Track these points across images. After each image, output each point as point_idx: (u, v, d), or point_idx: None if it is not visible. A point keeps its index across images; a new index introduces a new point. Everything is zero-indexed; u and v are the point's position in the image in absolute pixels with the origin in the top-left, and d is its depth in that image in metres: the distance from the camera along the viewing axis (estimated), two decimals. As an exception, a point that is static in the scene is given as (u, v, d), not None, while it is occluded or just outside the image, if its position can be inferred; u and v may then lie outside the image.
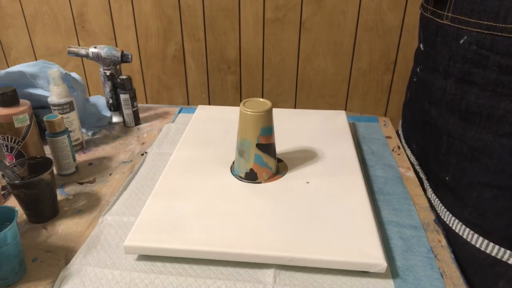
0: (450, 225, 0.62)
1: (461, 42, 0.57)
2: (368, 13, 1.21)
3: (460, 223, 0.60)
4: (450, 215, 0.62)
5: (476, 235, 0.59)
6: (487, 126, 0.56)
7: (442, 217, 0.64)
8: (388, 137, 0.86)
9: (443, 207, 0.64)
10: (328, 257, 0.51)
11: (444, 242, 0.58)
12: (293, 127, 0.83)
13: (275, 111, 0.84)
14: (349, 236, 0.54)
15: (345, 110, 1.33)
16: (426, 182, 0.71)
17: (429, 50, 0.66)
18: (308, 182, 0.65)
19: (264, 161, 0.65)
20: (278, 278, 0.51)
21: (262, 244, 0.53)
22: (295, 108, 1.41)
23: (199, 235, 0.54)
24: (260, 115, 0.62)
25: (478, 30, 0.54)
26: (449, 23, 0.59)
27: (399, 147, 0.81)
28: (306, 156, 0.73)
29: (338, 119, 0.86)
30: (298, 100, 1.39)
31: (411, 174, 0.73)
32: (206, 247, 0.53)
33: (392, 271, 0.53)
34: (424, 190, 0.70)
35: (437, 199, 0.66)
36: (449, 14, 0.58)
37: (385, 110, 1.37)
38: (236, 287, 0.50)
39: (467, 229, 0.59)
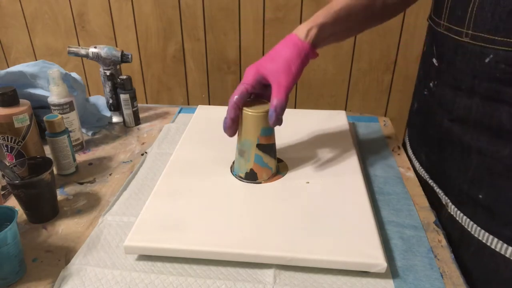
0: (488, 243, 0.59)
1: (486, 61, 0.53)
2: (368, 13, 1.20)
3: (500, 241, 0.57)
4: (486, 233, 0.59)
5: None
6: None
7: (473, 233, 0.61)
8: (388, 137, 0.86)
9: (474, 224, 0.61)
10: (328, 257, 0.51)
11: (444, 242, 0.58)
12: (293, 127, 0.83)
13: (275, 111, 0.84)
14: (349, 236, 0.54)
15: (345, 110, 1.33)
16: (445, 197, 0.67)
17: (446, 67, 0.61)
18: (308, 182, 0.65)
19: (264, 161, 0.65)
20: (278, 278, 0.51)
21: (262, 244, 0.53)
22: (295, 108, 1.41)
23: (199, 235, 0.54)
24: (260, 115, 0.62)
25: (506, 48, 0.51)
26: (470, 41, 0.55)
27: (399, 147, 0.81)
28: (306, 156, 0.73)
29: (338, 119, 0.86)
30: (298, 100, 1.39)
31: (411, 174, 0.73)
32: (206, 247, 0.53)
33: (392, 271, 0.53)
34: (441, 205, 0.66)
35: (464, 217, 0.62)
36: (469, 32, 0.54)
37: (385, 110, 1.37)
38: (236, 287, 0.50)
39: (510, 248, 0.56)
